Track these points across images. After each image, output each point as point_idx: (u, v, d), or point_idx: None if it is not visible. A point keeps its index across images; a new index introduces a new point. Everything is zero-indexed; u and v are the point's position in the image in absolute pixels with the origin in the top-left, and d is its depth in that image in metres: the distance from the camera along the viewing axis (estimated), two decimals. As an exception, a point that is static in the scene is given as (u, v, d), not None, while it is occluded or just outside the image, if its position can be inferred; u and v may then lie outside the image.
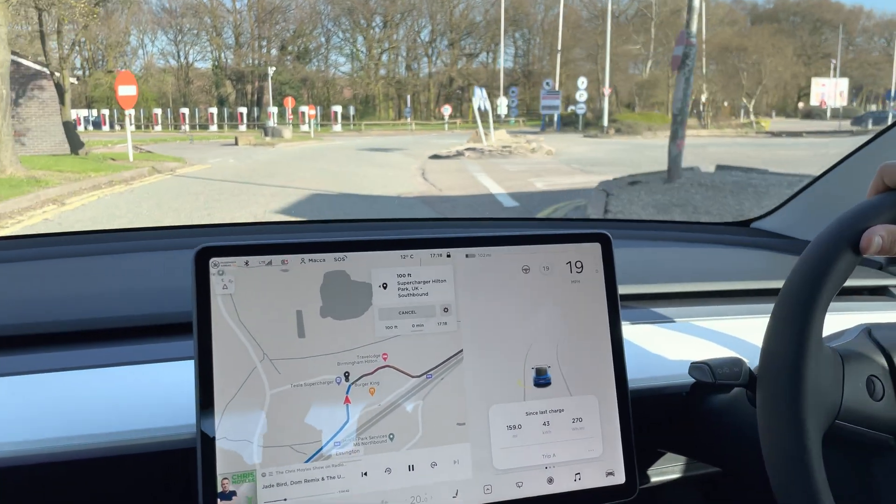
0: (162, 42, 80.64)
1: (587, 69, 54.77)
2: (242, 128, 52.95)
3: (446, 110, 49.36)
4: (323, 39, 72.48)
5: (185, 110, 56.43)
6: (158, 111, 57.22)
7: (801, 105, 59.36)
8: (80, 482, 0.76)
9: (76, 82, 23.05)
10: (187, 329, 0.76)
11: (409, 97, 51.66)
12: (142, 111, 61.72)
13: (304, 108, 51.00)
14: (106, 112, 58.25)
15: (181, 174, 14.96)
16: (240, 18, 70.74)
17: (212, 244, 0.69)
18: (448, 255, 0.77)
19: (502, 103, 55.49)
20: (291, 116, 48.57)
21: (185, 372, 0.81)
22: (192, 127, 56.83)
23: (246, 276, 0.71)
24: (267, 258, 0.71)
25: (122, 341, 0.94)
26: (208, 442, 0.67)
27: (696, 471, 0.99)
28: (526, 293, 0.79)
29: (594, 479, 0.78)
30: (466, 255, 0.78)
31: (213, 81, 72.11)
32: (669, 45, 56.99)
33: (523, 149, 20.76)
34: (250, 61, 69.98)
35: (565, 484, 0.77)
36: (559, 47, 47.87)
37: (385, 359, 0.73)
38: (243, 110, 54.26)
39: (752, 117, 38.91)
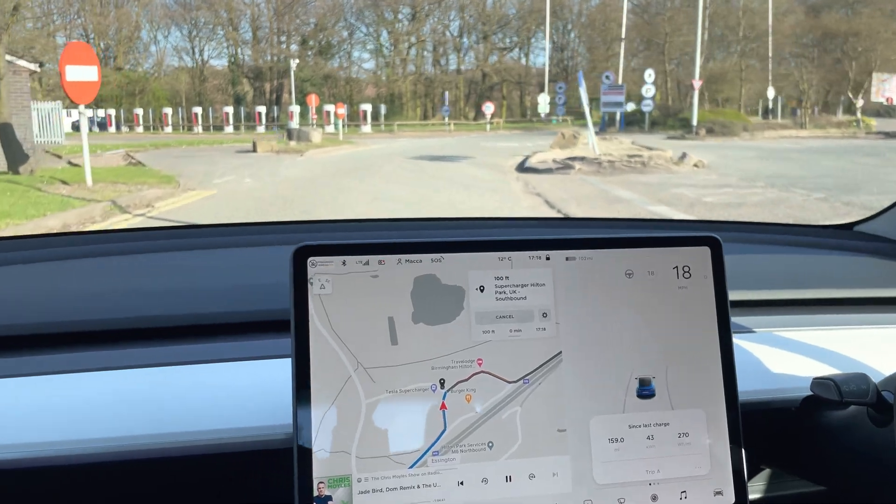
0: (176, 38, 74.81)
1: (652, 59, 48.39)
2: (261, 129, 47.12)
3: (488, 108, 43.22)
4: (346, 34, 66.51)
5: (199, 110, 50.59)
6: (169, 111, 51.40)
7: (860, 102, 52.99)
8: (172, 479, 0.76)
9: (36, 69, 16.60)
10: (276, 327, 0.82)
11: (445, 94, 45.43)
12: (150, 111, 56.01)
13: (329, 107, 45.14)
14: (112, 112, 52.52)
15: (161, 214, 9.05)
16: (258, 12, 64.97)
17: (310, 243, 0.68)
18: (547, 258, 0.75)
19: (543, 101, 49.41)
20: (315, 116, 42.62)
21: (277, 370, 0.84)
22: (206, 128, 51.15)
23: (341, 277, 0.70)
24: (364, 258, 0.70)
25: (215, 337, 0.93)
26: (305, 446, 0.67)
27: (799, 489, 0.93)
28: (629, 299, 0.75)
29: (701, 498, 0.73)
30: (566, 258, 0.75)
31: (230, 79, 66.42)
32: (734, 36, 50.58)
33: (662, 159, 14.64)
34: (269, 58, 64.24)
35: (670, 502, 0.73)
36: (622, 35, 41.51)
37: (480, 364, 0.71)
38: (261, 109, 48.34)
39: (859, 115, 32.61)
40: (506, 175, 14.29)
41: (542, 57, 75.92)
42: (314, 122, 43.25)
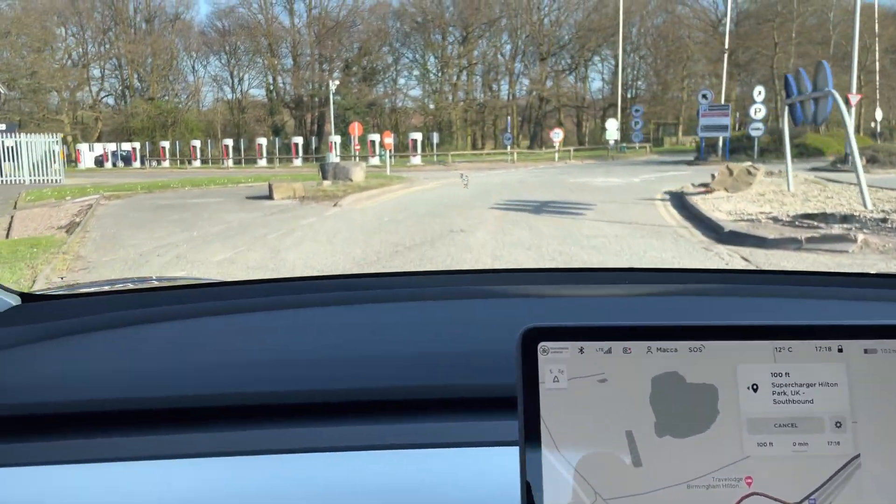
0: (215, 67, 69.86)
1: (759, 75, 41.18)
2: (297, 161, 41.14)
3: (556, 135, 36.36)
4: (391, 59, 60.67)
5: (230, 142, 44.79)
6: (197, 143, 45.71)
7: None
8: None
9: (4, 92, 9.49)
10: (497, 405, 0.71)
11: (507, 120, 38.72)
12: (177, 144, 50.42)
13: (373, 137, 38.91)
14: (137, 145, 47.12)
15: None
16: (298, 37, 59.62)
17: (541, 325, 0.57)
18: (839, 349, 0.59)
19: (612, 126, 42.51)
20: (358, 147, 36.33)
21: (495, 460, 0.70)
22: (238, 161, 45.42)
23: (577, 369, 0.57)
24: (605, 344, 0.57)
25: (409, 416, 0.78)
26: None
27: None
28: None
29: None
30: (865, 350, 0.59)
31: (268, 109, 61.03)
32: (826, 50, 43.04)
33: None
34: (310, 86, 58.66)
35: None
36: (726, 46, 34.45)
37: (749, 484, 0.57)
38: (298, 140, 42.25)
39: None
40: (694, 249, 7.52)
41: (597, 81, 69.38)
42: (357, 153, 36.97)
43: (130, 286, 1.47)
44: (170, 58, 58.71)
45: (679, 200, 12.50)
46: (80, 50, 59.14)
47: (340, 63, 58.05)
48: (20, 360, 0.82)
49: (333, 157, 30.45)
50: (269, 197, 14.28)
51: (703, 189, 13.24)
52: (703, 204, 11.02)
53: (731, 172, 12.33)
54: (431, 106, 61.10)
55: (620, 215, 10.53)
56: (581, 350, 0.57)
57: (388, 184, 18.00)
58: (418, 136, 37.28)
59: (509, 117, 42.71)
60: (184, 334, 0.94)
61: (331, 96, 42.75)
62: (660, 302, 1.11)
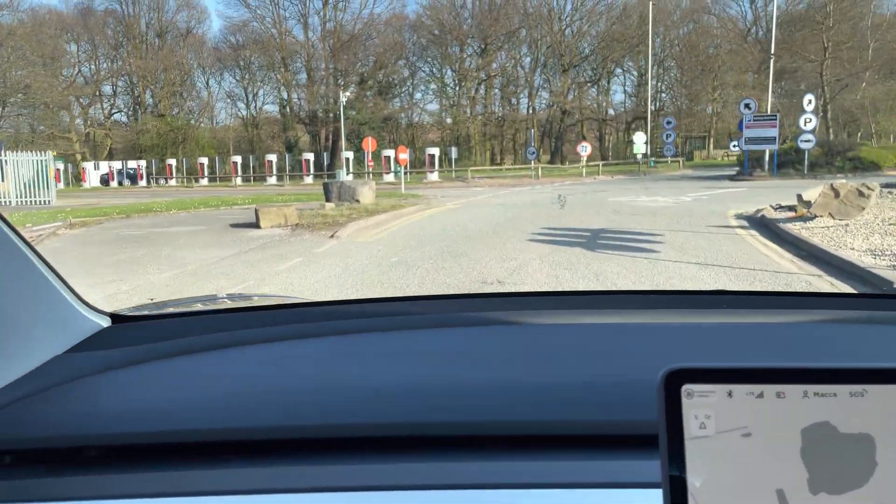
0: (229, 83, 67.95)
1: (809, 82, 38.25)
2: (309, 179, 38.70)
3: (584, 149, 33.57)
4: (407, 73, 58.26)
5: (238, 158, 42.43)
6: (205, 160, 43.44)
7: None
8: None
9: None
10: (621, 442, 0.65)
11: (531, 132, 36.02)
12: (184, 161, 48.18)
13: (388, 152, 36.36)
14: (144, 163, 44.99)
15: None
16: (312, 51, 57.44)
17: (687, 366, 0.51)
18: None
19: (639, 140, 39.72)
20: (372, 163, 33.76)
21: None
22: (247, 179, 43.07)
23: (725, 416, 0.51)
24: (757, 388, 0.51)
25: (536, 452, 0.69)
26: None
27: None
28: None
29: None
30: None
31: (282, 124, 58.81)
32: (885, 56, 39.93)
33: None
34: (325, 101, 56.39)
35: None
36: (772, 50, 31.61)
37: None
38: (310, 156, 39.80)
39: None
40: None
41: (619, 94, 66.40)
42: (370, 169, 34.40)
43: (228, 303, 1.40)
44: (182, 73, 56.75)
45: (767, 228, 9.70)
46: (93, 66, 57.42)
47: (356, 77, 55.74)
48: (110, 386, 0.78)
49: (343, 175, 27.87)
50: (256, 225, 11.65)
51: (792, 213, 10.42)
52: (813, 236, 8.20)
53: (836, 194, 9.47)
54: (449, 120, 58.58)
55: (705, 251, 7.77)
56: (730, 394, 0.51)
57: (401, 206, 15.28)
58: (435, 151, 34.63)
59: (532, 130, 40.00)
60: (277, 358, 0.85)
61: (341, 110, 40.32)
62: (801, 330, 0.99)
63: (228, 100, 69.38)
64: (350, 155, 37.08)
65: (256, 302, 1.29)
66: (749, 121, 27.67)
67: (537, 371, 0.82)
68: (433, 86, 58.99)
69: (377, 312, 1.03)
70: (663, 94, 60.53)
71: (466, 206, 16.52)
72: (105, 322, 0.91)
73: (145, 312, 1.05)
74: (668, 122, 37.96)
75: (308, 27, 56.64)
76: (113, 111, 58.84)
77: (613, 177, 32.82)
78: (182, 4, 57.15)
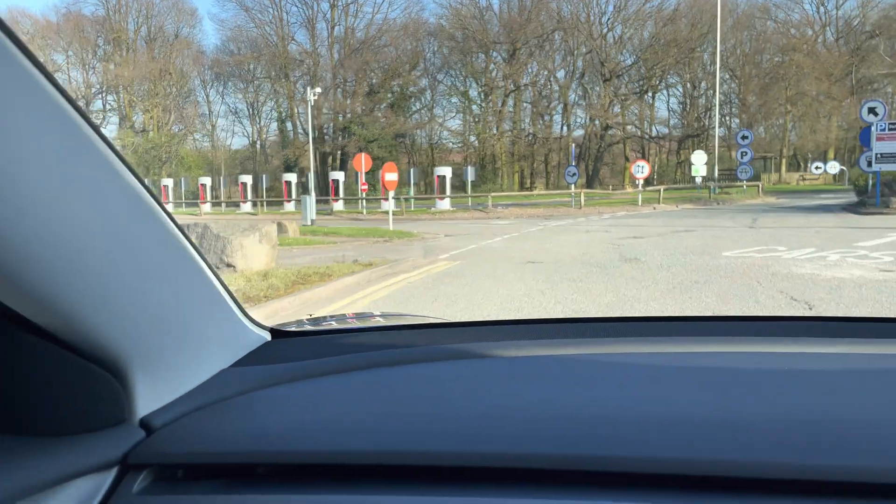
0: (233, 100, 61.10)
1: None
2: (290, 205, 31.27)
3: (640, 170, 25.48)
4: (425, 82, 50.85)
5: (208, 180, 34.88)
6: (207, 181, 35.90)
7: None
8: None
9: None
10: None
11: (572, 148, 27.95)
12: (182, 181, 41.30)
13: (391, 175, 28.86)
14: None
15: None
16: (318, 58, 50.40)
17: None
18: None
19: (699, 160, 31.66)
20: (365, 185, 26.15)
21: None
22: (217, 204, 35.71)
23: None
24: None
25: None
26: None
27: None
28: None
29: None
30: None
31: (280, 141, 51.76)
32: None
33: None
34: (330, 115, 49.25)
35: None
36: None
37: None
38: (291, 178, 32.11)
39: None
40: None
41: (662, 110, 57.79)
42: (364, 194, 26.73)
43: (381, 321, 1.36)
44: (172, 83, 50.03)
45: None
46: (83, 75, 51.12)
47: (364, 86, 48.49)
48: (273, 402, 0.77)
49: (308, 202, 20.19)
50: None
51: None
52: None
53: None
54: (473, 138, 50.94)
55: None
56: None
57: (324, 276, 7.38)
58: (447, 171, 26.81)
59: (572, 146, 31.76)
60: (435, 379, 0.82)
61: (306, 114, 32.90)
62: None
63: (233, 115, 62.76)
64: (341, 177, 29.47)
65: (408, 320, 1.21)
66: (882, 130, 19.49)
67: (743, 405, 0.68)
68: (454, 99, 51.50)
69: (531, 334, 0.96)
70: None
71: (470, 267, 8.70)
72: (266, 336, 0.92)
73: (304, 328, 1.04)
74: (744, 138, 29.74)
75: (315, 32, 49.59)
76: (105, 126, 52.32)
77: (678, 206, 24.75)
78: (172, 6, 50.55)
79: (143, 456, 0.64)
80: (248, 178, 33.67)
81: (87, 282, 0.56)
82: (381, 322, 1.36)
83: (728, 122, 51.95)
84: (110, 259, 0.58)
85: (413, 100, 50.32)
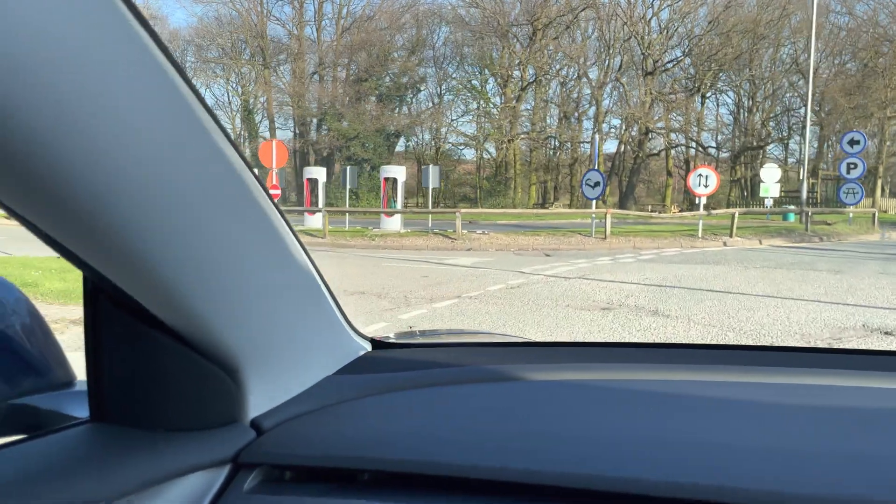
0: (218, 91, 52.79)
1: None
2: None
3: (701, 180, 16.06)
4: (431, 69, 41.99)
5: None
6: None
7: None
8: None
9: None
10: None
11: (595, 142, 18.43)
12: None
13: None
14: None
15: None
16: (298, 42, 41.98)
17: None
18: None
19: (769, 177, 22.41)
20: (278, 192, 17.33)
21: None
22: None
23: None
24: None
25: None
26: None
27: None
28: None
29: None
30: None
31: (245, 134, 43.31)
32: None
33: None
34: (314, 107, 40.75)
35: None
36: None
37: None
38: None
39: None
40: None
41: (708, 118, 46.85)
42: (275, 201, 17.62)
43: (480, 337, 1.34)
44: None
45: None
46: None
47: (353, 73, 39.74)
48: (375, 410, 0.78)
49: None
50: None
51: None
52: None
53: None
54: (489, 146, 41.95)
55: None
56: None
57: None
58: (398, 172, 17.74)
59: (597, 136, 21.94)
60: (532, 398, 0.80)
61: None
62: None
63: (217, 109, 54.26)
64: (321, 174, 20.16)
65: (499, 338, 1.19)
66: None
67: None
68: (463, 94, 42.49)
69: (628, 357, 0.93)
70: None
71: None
72: (367, 347, 0.94)
73: (402, 341, 1.05)
74: (854, 143, 20.11)
75: (303, 8, 41.00)
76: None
77: (762, 242, 15.42)
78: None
79: (253, 456, 0.66)
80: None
81: (214, 283, 0.58)
82: (479, 339, 1.30)
83: (795, 133, 42.18)
84: (235, 262, 0.59)
85: (410, 92, 41.29)
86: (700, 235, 15.77)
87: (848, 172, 19.75)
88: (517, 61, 37.53)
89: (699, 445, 0.64)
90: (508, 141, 37.24)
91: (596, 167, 16.67)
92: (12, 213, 0.46)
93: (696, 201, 16.67)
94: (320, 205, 18.90)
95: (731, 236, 15.70)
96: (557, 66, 39.30)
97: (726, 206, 36.90)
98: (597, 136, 18.15)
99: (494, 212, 22.50)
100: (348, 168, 17.94)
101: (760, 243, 15.35)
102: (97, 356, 0.63)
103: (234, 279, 0.59)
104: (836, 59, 38.17)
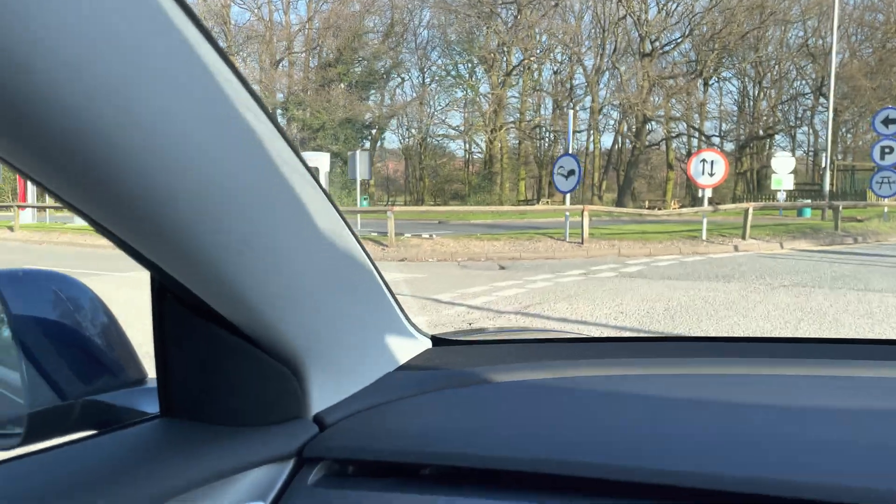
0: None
1: None
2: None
3: (705, 167, 12.67)
4: (413, 56, 38.69)
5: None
6: None
7: None
8: None
9: None
10: None
11: (569, 118, 15.04)
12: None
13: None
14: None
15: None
16: (270, 25, 38.66)
17: None
18: None
19: (782, 166, 19.32)
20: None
21: None
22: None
23: None
24: None
25: None
26: None
27: None
28: None
29: None
30: None
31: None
32: None
33: None
34: (284, 93, 37.43)
35: None
36: None
37: None
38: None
39: None
40: None
41: (710, 105, 42.39)
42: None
43: (537, 334, 1.33)
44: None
45: None
46: None
47: (321, 58, 36.36)
48: (437, 406, 0.78)
49: None
50: None
51: None
52: None
53: None
54: (480, 138, 38.58)
55: None
56: None
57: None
58: (321, 160, 14.45)
59: (570, 111, 18.23)
60: (605, 393, 0.79)
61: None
62: None
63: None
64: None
65: (560, 335, 1.18)
66: None
67: None
68: (447, 80, 39.15)
69: (700, 352, 0.90)
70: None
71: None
72: (428, 343, 0.94)
73: (461, 338, 1.03)
74: (890, 121, 16.73)
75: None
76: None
77: (783, 245, 12.10)
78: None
79: (317, 450, 0.67)
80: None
81: (278, 282, 0.59)
82: (539, 335, 1.29)
83: (809, 120, 38.90)
84: (299, 260, 0.60)
85: (386, 79, 37.93)
86: (704, 237, 12.42)
87: (882, 158, 16.37)
88: (500, 42, 34.10)
89: (798, 441, 0.60)
90: (491, 131, 33.83)
91: (570, 151, 13.23)
92: (85, 217, 0.48)
93: (699, 194, 13.32)
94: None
95: (743, 238, 12.36)
96: (545, 49, 35.87)
97: (731, 201, 33.56)
98: (570, 112, 14.64)
99: (464, 209, 19.15)
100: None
101: (782, 247, 12.01)
102: (165, 353, 0.65)
103: (299, 277, 0.61)
104: (853, 39, 34.77)
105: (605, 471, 0.59)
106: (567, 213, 12.24)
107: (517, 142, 39.04)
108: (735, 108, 40.86)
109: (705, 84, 37.91)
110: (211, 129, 0.46)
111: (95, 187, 0.44)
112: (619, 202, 37.72)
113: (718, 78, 39.56)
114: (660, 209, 26.97)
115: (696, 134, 37.17)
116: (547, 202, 32.04)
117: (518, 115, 38.29)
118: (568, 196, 12.29)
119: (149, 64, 0.41)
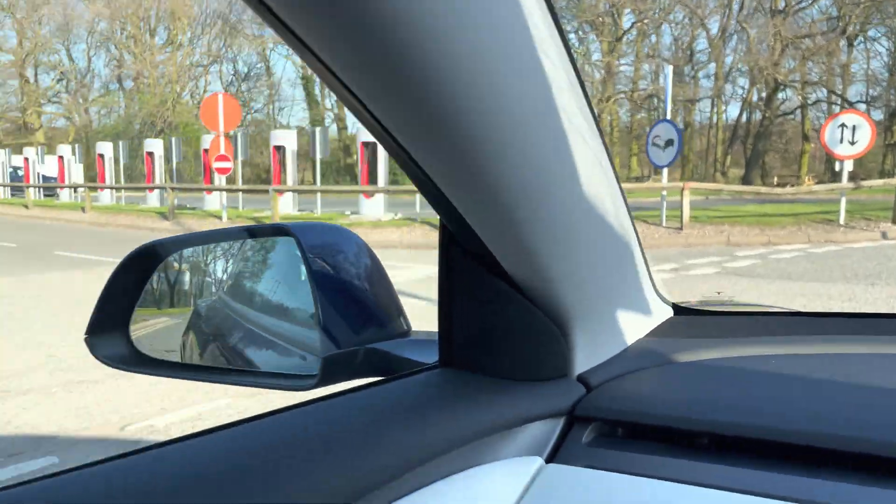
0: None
1: None
2: (153, 198, 18.59)
3: (845, 133, 10.07)
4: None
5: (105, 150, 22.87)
6: (107, 148, 23.50)
7: None
8: None
9: None
10: None
11: (667, 73, 12.61)
12: (77, 149, 26.66)
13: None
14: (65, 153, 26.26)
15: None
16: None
17: None
18: None
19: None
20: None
21: None
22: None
23: None
24: None
25: None
26: None
27: None
28: None
29: None
30: None
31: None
32: None
33: None
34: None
35: None
36: None
37: None
38: (157, 146, 19.20)
39: None
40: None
41: (855, 69, 36.68)
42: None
43: (780, 308, 1.26)
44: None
45: None
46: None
47: None
48: (694, 374, 0.77)
49: None
50: None
51: None
52: None
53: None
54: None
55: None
56: None
57: None
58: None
59: (669, 66, 15.36)
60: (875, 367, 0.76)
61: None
62: None
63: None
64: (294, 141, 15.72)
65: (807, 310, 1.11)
66: None
67: None
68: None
69: None
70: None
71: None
72: (670, 311, 0.92)
73: (705, 308, 1.00)
74: None
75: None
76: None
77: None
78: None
79: (587, 410, 0.67)
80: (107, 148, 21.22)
81: (563, 242, 0.60)
82: (776, 309, 1.25)
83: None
84: (580, 222, 0.61)
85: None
86: (842, 221, 9.90)
87: None
88: (611, 3, 31.28)
89: None
90: (599, 101, 31.23)
91: (668, 117, 10.91)
92: (407, 161, 0.51)
93: (837, 167, 10.71)
94: (290, 182, 14.43)
95: (894, 222, 9.73)
96: (662, 10, 32.64)
97: (879, 177, 29.20)
98: (668, 69, 12.04)
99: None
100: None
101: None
102: (451, 302, 0.67)
103: (579, 239, 0.62)
104: None
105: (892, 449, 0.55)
106: (663, 192, 10.06)
107: (629, 115, 36.11)
108: (885, 72, 35.77)
109: (849, 44, 33.31)
110: (550, 126, 0.49)
111: (463, 165, 0.48)
112: (745, 179, 34.07)
113: (865, 38, 34.69)
114: (792, 185, 23.56)
115: (838, 100, 32.76)
116: (657, 178, 29.27)
117: (631, 84, 35.33)
118: (665, 171, 10.09)
119: (513, 60, 0.44)
